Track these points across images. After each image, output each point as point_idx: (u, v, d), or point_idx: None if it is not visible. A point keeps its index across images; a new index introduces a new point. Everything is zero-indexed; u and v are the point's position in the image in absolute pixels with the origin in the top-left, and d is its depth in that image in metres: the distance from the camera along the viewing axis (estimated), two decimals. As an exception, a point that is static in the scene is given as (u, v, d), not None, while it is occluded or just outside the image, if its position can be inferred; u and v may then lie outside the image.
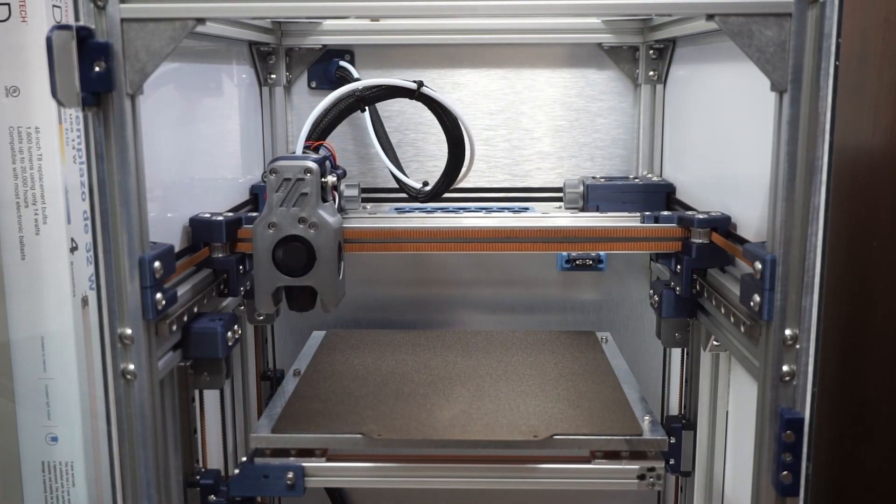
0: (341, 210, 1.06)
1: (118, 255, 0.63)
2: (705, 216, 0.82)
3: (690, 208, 0.96)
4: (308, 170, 0.75)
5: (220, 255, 0.82)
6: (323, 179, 0.76)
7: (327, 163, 0.80)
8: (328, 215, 0.76)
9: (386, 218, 0.94)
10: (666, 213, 0.88)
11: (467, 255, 1.11)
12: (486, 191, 1.12)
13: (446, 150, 0.95)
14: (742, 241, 0.79)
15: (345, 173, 1.00)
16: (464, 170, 0.96)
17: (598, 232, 0.86)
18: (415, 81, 0.89)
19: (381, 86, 0.91)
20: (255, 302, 0.77)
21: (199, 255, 0.81)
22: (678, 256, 0.84)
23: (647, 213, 0.89)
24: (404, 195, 1.07)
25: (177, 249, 0.78)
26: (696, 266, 0.82)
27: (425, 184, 1.00)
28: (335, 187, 0.81)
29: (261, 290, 0.76)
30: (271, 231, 0.75)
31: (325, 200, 0.77)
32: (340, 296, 0.79)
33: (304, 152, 0.89)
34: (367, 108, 0.99)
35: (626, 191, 1.04)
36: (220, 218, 0.82)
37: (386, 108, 1.08)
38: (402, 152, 1.11)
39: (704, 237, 0.81)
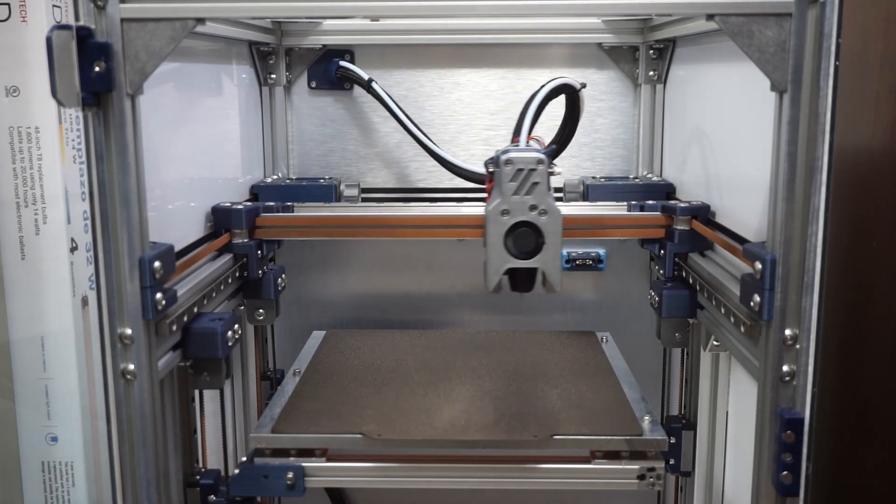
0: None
1: (118, 255, 0.63)
2: (687, 205, 0.89)
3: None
4: (541, 161, 0.79)
5: (240, 241, 0.90)
6: (549, 170, 0.80)
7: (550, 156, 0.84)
8: (554, 203, 0.80)
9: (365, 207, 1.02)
10: (651, 201, 0.95)
11: (467, 254, 1.11)
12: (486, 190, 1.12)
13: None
14: (723, 229, 0.85)
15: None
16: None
17: (585, 220, 0.92)
18: (581, 84, 0.92)
19: (561, 84, 0.92)
20: (486, 281, 0.81)
21: (219, 240, 0.87)
22: (662, 242, 0.92)
23: (634, 202, 0.96)
24: (404, 195, 1.08)
25: (199, 236, 0.87)
26: (678, 251, 0.90)
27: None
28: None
29: (492, 271, 0.81)
30: (505, 217, 0.79)
31: (548, 189, 0.81)
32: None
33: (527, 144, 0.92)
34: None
35: (626, 191, 1.04)
36: (241, 206, 0.89)
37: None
38: (401, 152, 1.11)
39: (686, 224, 0.89)
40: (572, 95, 0.93)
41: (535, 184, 0.79)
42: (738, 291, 0.69)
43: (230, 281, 0.87)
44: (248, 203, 0.91)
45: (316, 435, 0.77)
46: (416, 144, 1.10)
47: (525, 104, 0.91)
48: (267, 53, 1.07)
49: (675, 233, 0.90)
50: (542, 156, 0.80)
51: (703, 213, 0.89)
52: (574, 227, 0.90)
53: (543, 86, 0.90)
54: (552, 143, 0.99)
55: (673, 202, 0.92)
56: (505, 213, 0.79)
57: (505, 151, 0.80)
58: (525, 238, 0.80)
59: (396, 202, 1.11)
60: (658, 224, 0.92)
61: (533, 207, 0.79)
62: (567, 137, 0.97)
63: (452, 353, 0.96)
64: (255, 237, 0.92)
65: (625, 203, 0.98)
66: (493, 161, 0.82)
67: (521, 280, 0.82)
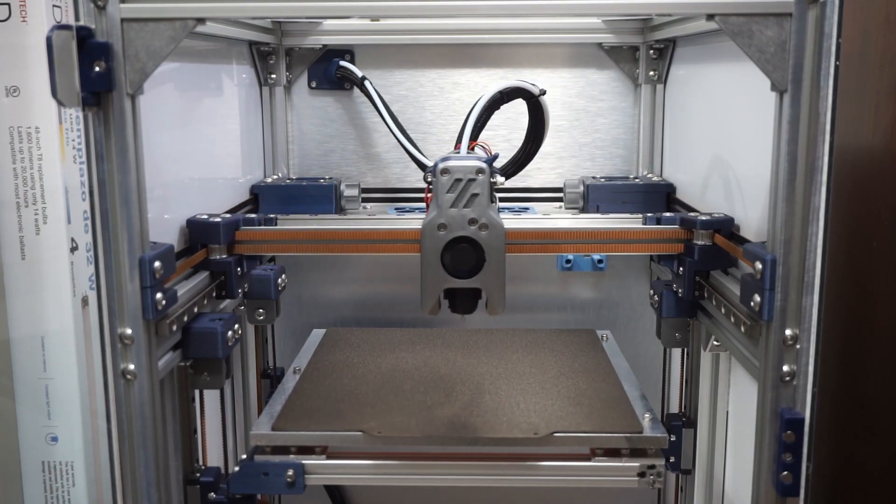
0: (341, 210, 1.07)
1: (118, 255, 0.63)
2: (708, 217, 0.81)
3: (691, 208, 0.96)
4: (480, 170, 0.71)
5: (218, 257, 0.82)
6: (492, 180, 0.73)
7: (493, 163, 0.76)
8: (496, 216, 0.73)
9: (385, 219, 0.97)
10: (668, 214, 0.87)
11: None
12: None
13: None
14: (744, 241, 0.78)
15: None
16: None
17: (599, 234, 0.83)
18: (541, 90, 0.88)
19: (515, 87, 0.89)
20: (421, 304, 0.74)
21: (196, 256, 0.80)
22: (680, 258, 0.83)
23: (650, 214, 0.88)
24: (404, 195, 1.08)
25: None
26: (698, 268, 0.81)
27: None
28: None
29: (427, 293, 0.73)
30: (441, 233, 0.72)
31: (492, 201, 0.74)
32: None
33: (467, 152, 0.85)
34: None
35: (626, 191, 1.04)
36: (218, 219, 0.81)
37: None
38: (401, 152, 1.11)
39: (707, 239, 0.80)
40: (533, 102, 0.87)
41: (475, 195, 0.71)
42: (738, 291, 0.69)
43: (206, 302, 0.78)
44: (227, 215, 0.84)
45: (316, 432, 0.77)
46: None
47: (471, 108, 0.85)
48: (267, 53, 1.07)
49: (695, 248, 0.80)
50: (482, 164, 0.71)
51: (726, 227, 0.80)
52: (585, 241, 0.83)
53: (500, 88, 0.85)
54: (519, 154, 0.92)
55: (693, 214, 0.83)
56: (441, 227, 0.72)
57: (444, 159, 0.73)
58: (463, 255, 0.72)
59: (396, 202, 1.11)
60: (676, 238, 0.83)
61: (473, 221, 0.71)
62: (532, 148, 0.92)
63: (452, 352, 0.96)
64: (234, 253, 0.83)
65: (639, 215, 0.90)
66: (431, 170, 0.74)
67: (461, 301, 0.74)
